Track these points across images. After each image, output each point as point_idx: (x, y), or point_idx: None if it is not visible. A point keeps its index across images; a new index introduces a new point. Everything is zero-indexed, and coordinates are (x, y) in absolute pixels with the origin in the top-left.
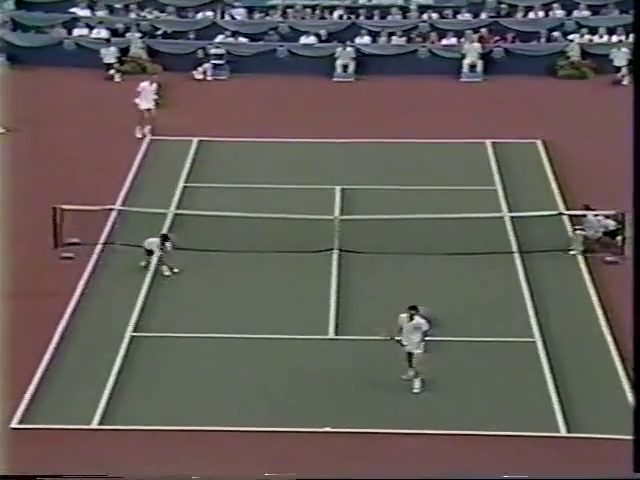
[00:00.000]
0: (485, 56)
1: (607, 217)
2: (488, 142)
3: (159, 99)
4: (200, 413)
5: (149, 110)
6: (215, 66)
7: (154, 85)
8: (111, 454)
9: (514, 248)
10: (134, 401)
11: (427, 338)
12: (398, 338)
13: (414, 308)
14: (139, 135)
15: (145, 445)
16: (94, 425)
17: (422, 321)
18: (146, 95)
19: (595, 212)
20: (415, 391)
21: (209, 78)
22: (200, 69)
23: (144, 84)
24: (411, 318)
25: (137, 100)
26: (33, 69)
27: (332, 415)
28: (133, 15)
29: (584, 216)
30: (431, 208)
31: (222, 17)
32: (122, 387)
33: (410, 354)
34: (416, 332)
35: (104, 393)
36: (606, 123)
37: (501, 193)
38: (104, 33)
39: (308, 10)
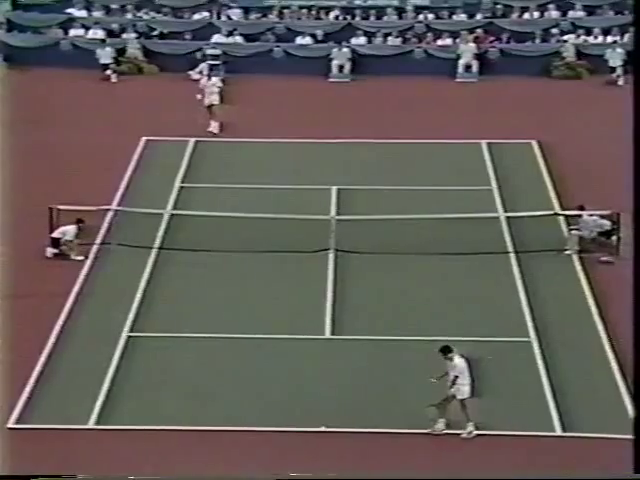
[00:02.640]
0: (480, 56)
1: (602, 217)
2: (484, 142)
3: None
4: (196, 413)
5: (212, 106)
6: (211, 66)
7: (213, 80)
8: (107, 454)
9: (510, 248)
10: (131, 401)
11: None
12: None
13: (448, 349)
14: (213, 130)
15: (141, 445)
16: (91, 425)
17: (461, 360)
18: (208, 91)
19: (590, 212)
20: (470, 435)
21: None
22: (197, 69)
23: (203, 81)
24: (451, 359)
25: (199, 96)
26: (29, 69)
27: (328, 414)
28: (129, 16)
29: (579, 216)
30: (427, 208)
31: (218, 18)
32: (119, 387)
33: (461, 401)
34: (459, 374)
35: (101, 393)
36: (601, 123)
37: (497, 193)
38: (100, 34)
39: (304, 11)
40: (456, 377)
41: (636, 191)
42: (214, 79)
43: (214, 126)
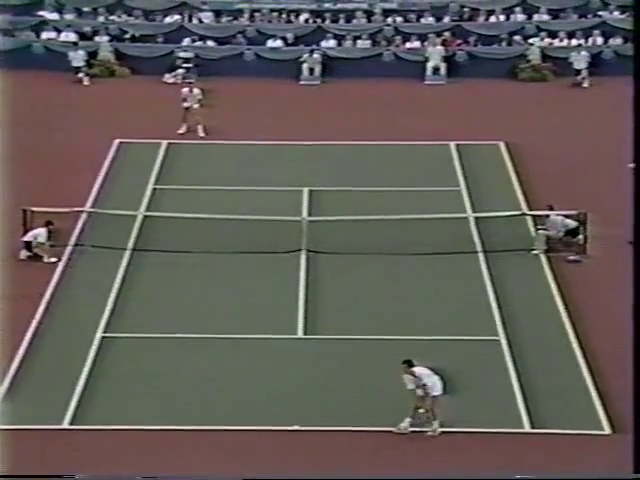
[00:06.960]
0: (448, 59)
1: (569, 217)
2: (452, 144)
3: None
4: (170, 413)
5: (189, 109)
6: (186, 70)
7: (195, 90)
8: (81, 454)
9: (478, 248)
10: (105, 401)
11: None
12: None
13: (409, 364)
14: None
15: (115, 445)
16: (65, 425)
17: (422, 370)
18: (189, 100)
19: (557, 212)
20: (436, 433)
21: (179, 82)
22: (173, 73)
23: (185, 90)
24: (412, 374)
25: (185, 104)
26: (1, 72)
27: (300, 414)
28: (101, 18)
29: (547, 216)
30: (397, 209)
31: (190, 21)
32: (93, 388)
33: (433, 397)
34: (425, 378)
35: (75, 394)
36: (566, 124)
37: (465, 194)
38: (72, 36)
39: (275, 14)
40: (422, 382)
41: (636, 191)
42: (196, 90)
43: (184, 128)
